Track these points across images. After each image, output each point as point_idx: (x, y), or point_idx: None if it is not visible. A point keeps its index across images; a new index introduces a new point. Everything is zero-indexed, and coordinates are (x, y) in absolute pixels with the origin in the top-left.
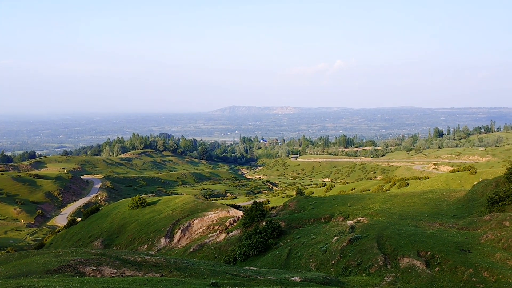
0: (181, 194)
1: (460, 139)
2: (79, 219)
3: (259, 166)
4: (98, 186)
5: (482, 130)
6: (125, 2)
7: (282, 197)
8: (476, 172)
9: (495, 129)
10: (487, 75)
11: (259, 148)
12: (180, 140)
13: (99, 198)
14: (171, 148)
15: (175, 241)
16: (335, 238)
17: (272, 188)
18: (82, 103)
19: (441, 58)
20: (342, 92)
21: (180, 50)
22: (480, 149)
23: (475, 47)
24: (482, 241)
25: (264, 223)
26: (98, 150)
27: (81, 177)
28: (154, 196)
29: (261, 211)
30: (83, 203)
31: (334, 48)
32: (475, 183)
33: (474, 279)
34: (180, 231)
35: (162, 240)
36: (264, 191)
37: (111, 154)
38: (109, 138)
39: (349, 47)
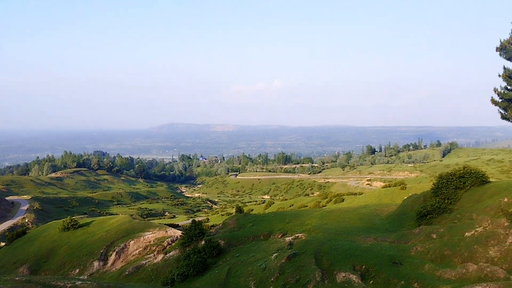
0: (117, 214)
1: (391, 155)
2: (2, 243)
3: (199, 184)
4: (25, 207)
5: (411, 147)
6: (56, 13)
7: (222, 215)
8: (406, 187)
9: (422, 147)
10: (415, 96)
11: (198, 166)
12: (116, 158)
13: (26, 220)
14: (106, 167)
15: (109, 264)
16: (274, 255)
17: (212, 206)
18: (5, 119)
19: (373, 80)
20: (281, 110)
21: (116, 66)
22: (409, 165)
23: (403, 72)
24: (412, 253)
25: (203, 242)
26: (26, 169)
27: (6, 198)
28: (87, 217)
29: (200, 230)
30: (7, 227)
31: (273, 68)
32: (405, 198)
33: None
34: (115, 253)
35: (95, 264)
36: (203, 210)
37: (40, 173)
38: (38, 157)
39: (287, 67)
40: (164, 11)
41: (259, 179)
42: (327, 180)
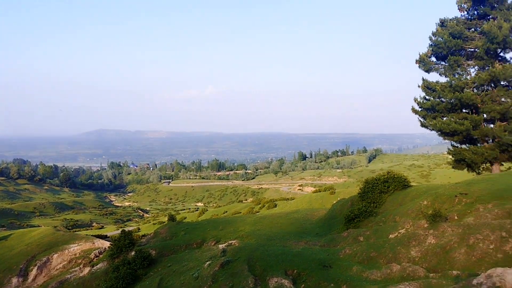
0: (39, 226)
1: (321, 161)
2: None
3: (129, 192)
4: None
5: (339, 153)
6: None
7: (154, 224)
8: (335, 192)
9: (350, 153)
10: (343, 104)
11: (129, 174)
12: (39, 166)
13: None
14: (28, 176)
15: (30, 280)
16: (207, 263)
17: (143, 215)
18: None
19: (308, 87)
20: (215, 117)
21: (37, 69)
22: (338, 170)
23: (334, 81)
24: (341, 256)
25: (133, 253)
26: None
27: None
28: (5, 230)
29: (130, 240)
30: None
31: (206, 74)
32: (334, 202)
33: None
34: (36, 268)
35: (14, 280)
36: (134, 219)
37: None
38: None
39: (221, 73)
40: (89, 14)
41: (192, 187)
42: (260, 186)
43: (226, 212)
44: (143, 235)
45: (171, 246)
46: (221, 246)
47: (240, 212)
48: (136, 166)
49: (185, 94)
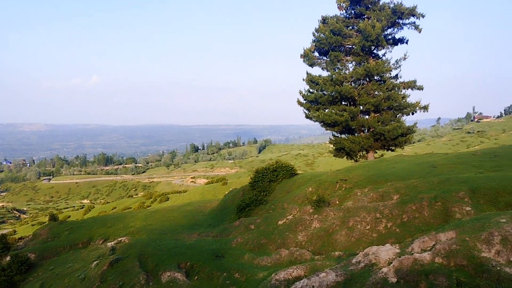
0: None
1: (213, 153)
2: None
3: (2, 192)
4: None
5: (231, 144)
6: None
7: (33, 225)
8: (227, 182)
9: (241, 144)
10: (235, 96)
11: (2, 171)
12: None
13: None
14: None
15: None
16: (95, 263)
17: (20, 216)
18: None
19: (197, 79)
20: (101, 108)
21: None
22: (230, 161)
23: (226, 73)
24: (233, 245)
25: (8, 258)
26: None
27: None
28: None
29: (4, 244)
30: None
31: (91, 62)
32: (227, 192)
33: (227, 281)
34: None
35: None
36: (9, 221)
37: None
38: None
39: (107, 63)
40: None
41: (77, 183)
42: (151, 180)
43: (115, 208)
44: (20, 238)
45: (53, 248)
46: (109, 244)
47: (131, 208)
48: (10, 163)
49: (67, 83)
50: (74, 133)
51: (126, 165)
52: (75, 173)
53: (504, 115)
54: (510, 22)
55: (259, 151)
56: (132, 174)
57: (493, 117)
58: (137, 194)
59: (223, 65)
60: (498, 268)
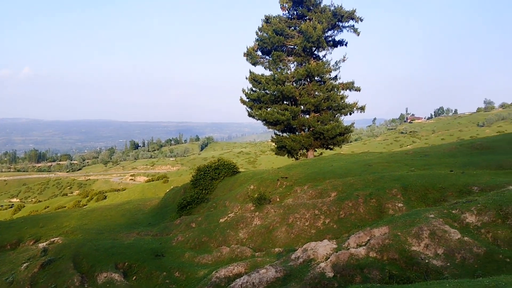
0: None
1: (154, 150)
2: None
3: None
4: None
5: (173, 142)
6: None
7: None
8: (168, 180)
9: (183, 141)
10: (177, 93)
11: None
12: None
13: None
14: None
15: None
16: (24, 265)
17: None
18: None
19: (137, 74)
20: (33, 102)
21: None
22: (171, 159)
23: (167, 68)
24: (174, 244)
25: None
26: None
27: None
28: None
29: None
30: None
31: (22, 53)
32: (168, 190)
33: (167, 281)
34: None
35: None
36: None
37: None
38: None
39: (41, 54)
40: None
41: (5, 181)
42: (88, 178)
43: (48, 207)
44: None
45: None
46: (41, 245)
47: (65, 207)
48: None
49: None
50: (3, 127)
51: (61, 162)
52: (3, 170)
53: (434, 116)
54: (442, 28)
55: (202, 149)
56: (67, 172)
57: (424, 118)
58: (72, 193)
59: (165, 61)
60: (427, 261)
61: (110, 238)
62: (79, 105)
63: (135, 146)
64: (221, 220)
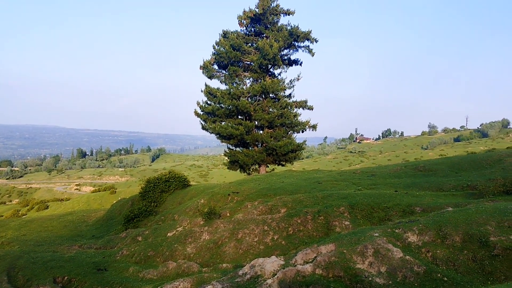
0: None
1: (102, 160)
2: None
3: None
4: None
5: (123, 152)
6: None
7: None
8: (116, 191)
9: (134, 151)
10: (129, 102)
11: None
12: None
13: None
14: None
15: None
16: None
17: None
18: None
19: (87, 80)
20: None
21: None
22: (120, 169)
23: (120, 76)
24: (118, 257)
25: None
26: None
27: None
28: None
29: None
30: None
31: None
32: (114, 202)
33: None
34: None
35: None
36: None
37: None
38: None
39: None
40: None
41: None
42: (29, 186)
43: None
44: None
45: None
46: None
47: (2, 216)
48: None
49: None
50: None
51: (0, 168)
52: None
53: (381, 138)
54: (391, 54)
55: (153, 160)
56: (7, 179)
57: (372, 139)
58: (11, 201)
59: (119, 68)
60: (370, 279)
61: (50, 250)
62: (22, 109)
63: (83, 155)
64: (169, 234)
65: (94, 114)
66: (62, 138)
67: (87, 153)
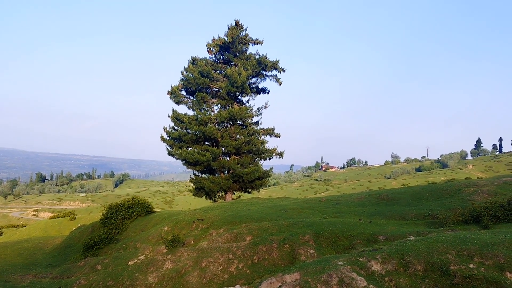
0: None
1: (63, 185)
2: None
3: None
4: None
5: (85, 176)
6: None
7: None
8: (75, 218)
9: (96, 176)
10: (94, 125)
11: None
12: None
13: None
14: None
15: None
16: None
17: None
18: None
19: (48, 101)
20: None
21: None
22: (81, 195)
23: (84, 99)
24: (75, 287)
25: None
26: None
27: None
28: None
29: None
30: None
31: None
32: (74, 229)
33: None
34: None
35: None
36: None
37: None
38: None
39: None
40: None
41: None
42: None
43: None
44: None
45: None
46: None
47: None
48: None
49: None
50: None
51: None
52: None
53: (346, 166)
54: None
55: (116, 186)
56: None
57: (338, 167)
58: None
59: (83, 90)
60: None
61: (2, 280)
62: None
63: (42, 179)
64: (130, 262)
65: (56, 137)
66: (21, 161)
67: (47, 178)
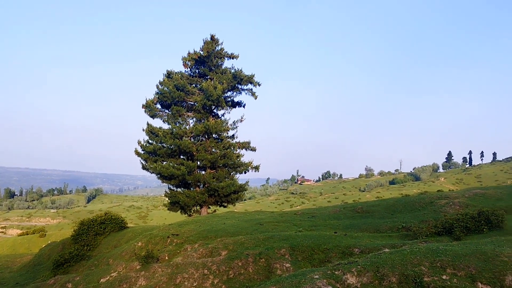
0: None
1: (33, 200)
2: None
3: None
4: None
5: (56, 192)
6: None
7: None
8: (45, 234)
9: (68, 192)
10: (65, 139)
11: None
12: None
13: None
14: None
15: None
16: None
17: None
18: None
19: (17, 117)
20: None
21: None
22: (52, 211)
23: (54, 112)
24: None
25: None
26: None
27: None
28: None
29: None
30: None
31: None
32: (44, 246)
33: None
34: None
35: None
36: None
37: None
38: None
39: None
40: None
41: None
42: None
43: None
44: None
45: None
46: None
47: None
48: None
49: None
50: None
51: None
52: None
53: (321, 179)
54: (329, 99)
55: (88, 201)
56: None
57: (313, 181)
58: None
59: (53, 103)
60: None
61: None
62: None
63: (11, 195)
64: (102, 280)
65: (26, 152)
66: None
67: (16, 193)
